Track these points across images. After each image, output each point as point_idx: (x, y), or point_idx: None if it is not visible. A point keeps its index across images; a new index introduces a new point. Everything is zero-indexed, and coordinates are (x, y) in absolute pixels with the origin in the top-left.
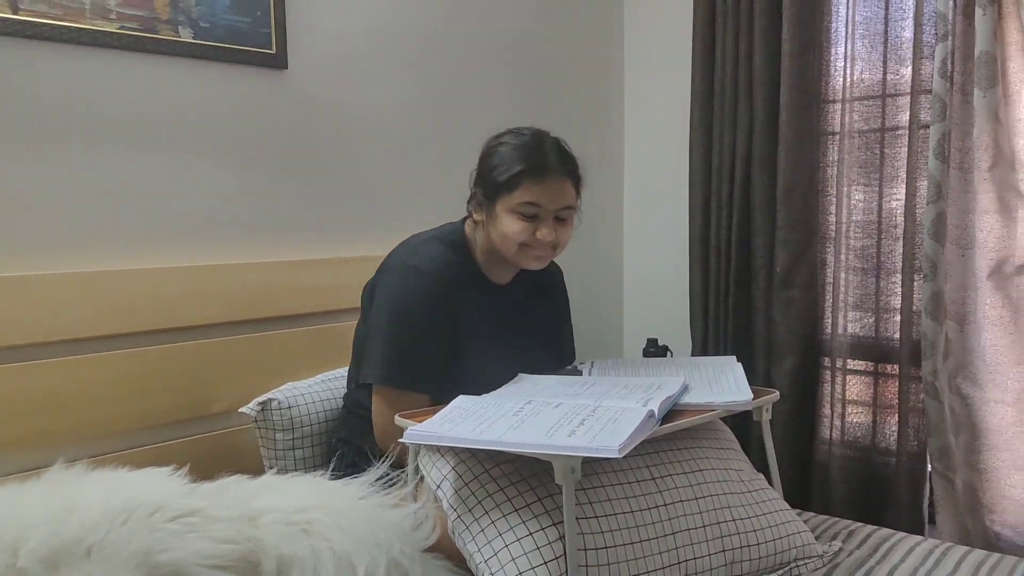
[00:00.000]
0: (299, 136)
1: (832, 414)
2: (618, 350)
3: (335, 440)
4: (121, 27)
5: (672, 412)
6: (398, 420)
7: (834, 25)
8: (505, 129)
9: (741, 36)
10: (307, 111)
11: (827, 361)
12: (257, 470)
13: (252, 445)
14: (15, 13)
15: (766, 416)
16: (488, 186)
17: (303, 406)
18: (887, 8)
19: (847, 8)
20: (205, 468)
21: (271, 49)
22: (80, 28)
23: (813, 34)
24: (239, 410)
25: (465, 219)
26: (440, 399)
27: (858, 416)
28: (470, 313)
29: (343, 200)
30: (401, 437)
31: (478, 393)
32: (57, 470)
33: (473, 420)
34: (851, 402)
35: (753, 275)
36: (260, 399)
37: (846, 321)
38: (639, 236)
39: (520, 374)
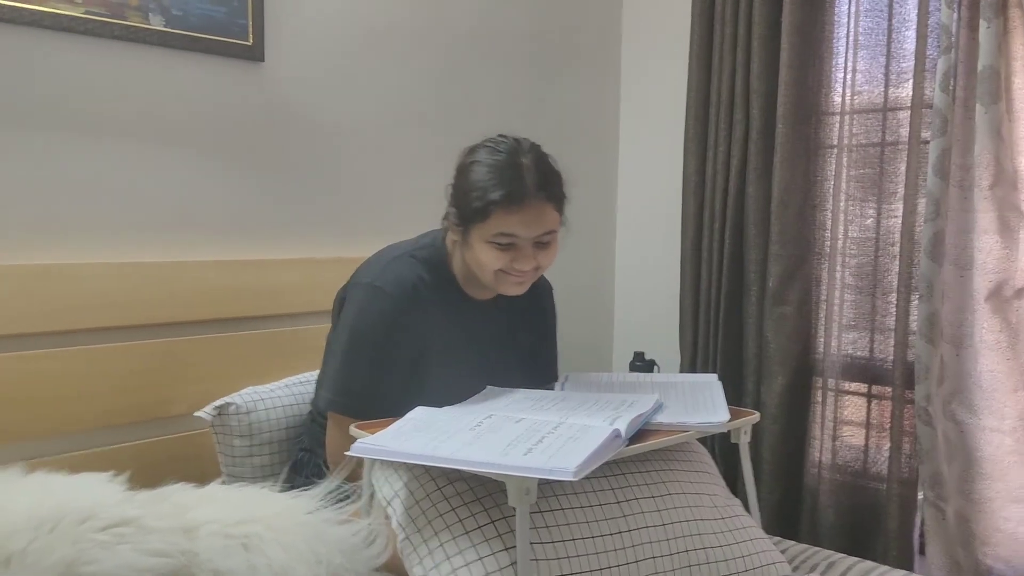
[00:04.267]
0: (274, 131)
1: (823, 436)
2: (606, 363)
3: (299, 450)
4: (87, 12)
5: (643, 432)
6: (352, 431)
7: (835, 36)
8: (483, 139)
9: (739, 45)
10: (284, 106)
11: (819, 381)
12: (214, 477)
13: (211, 450)
14: None
15: (744, 438)
16: (461, 211)
17: (263, 411)
18: (890, 19)
19: (849, 19)
20: (159, 474)
21: (247, 40)
22: (42, 11)
23: (813, 45)
24: (194, 414)
25: (447, 231)
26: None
27: (849, 439)
28: (441, 333)
29: (317, 199)
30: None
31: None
32: None
33: (427, 434)
34: (843, 424)
35: (745, 290)
36: (217, 403)
37: (840, 341)
38: (631, 247)
39: (488, 387)
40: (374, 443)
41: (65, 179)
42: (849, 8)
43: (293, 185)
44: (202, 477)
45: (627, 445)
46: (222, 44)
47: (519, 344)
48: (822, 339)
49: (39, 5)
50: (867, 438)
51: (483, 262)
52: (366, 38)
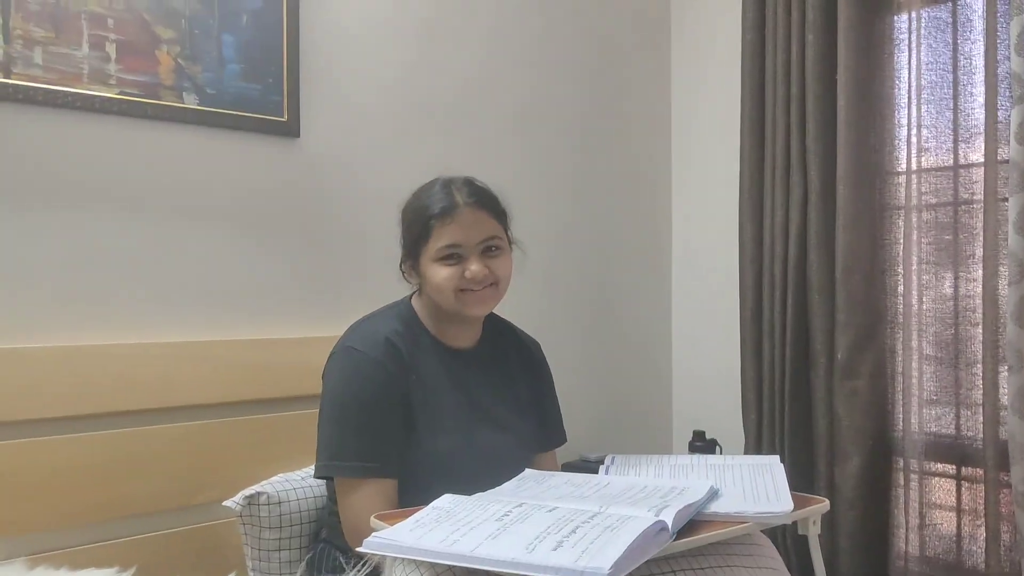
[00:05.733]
0: (310, 207)
1: (907, 525)
2: (665, 443)
3: (319, 540)
4: (121, 92)
5: (695, 523)
6: (374, 522)
7: (896, 91)
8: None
9: (792, 105)
10: (319, 181)
11: (900, 462)
12: (234, 570)
13: (234, 542)
14: (7, 77)
15: (814, 529)
16: (408, 245)
17: (294, 501)
18: (955, 71)
19: (910, 73)
20: (183, 567)
21: (282, 116)
22: (76, 93)
23: (872, 101)
24: (223, 503)
25: (413, 293)
26: (405, 477)
27: (939, 528)
28: (425, 382)
29: (353, 275)
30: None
31: (462, 471)
32: None
33: (449, 525)
34: (930, 510)
35: (812, 362)
36: (247, 491)
37: (921, 417)
38: (688, 319)
39: (527, 470)
40: (389, 538)
41: (94, 258)
42: (909, 62)
43: (328, 261)
44: (223, 571)
45: (675, 539)
46: (257, 121)
47: (519, 397)
48: (900, 415)
49: (72, 87)
50: (959, 526)
51: (439, 284)
52: (405, 111)
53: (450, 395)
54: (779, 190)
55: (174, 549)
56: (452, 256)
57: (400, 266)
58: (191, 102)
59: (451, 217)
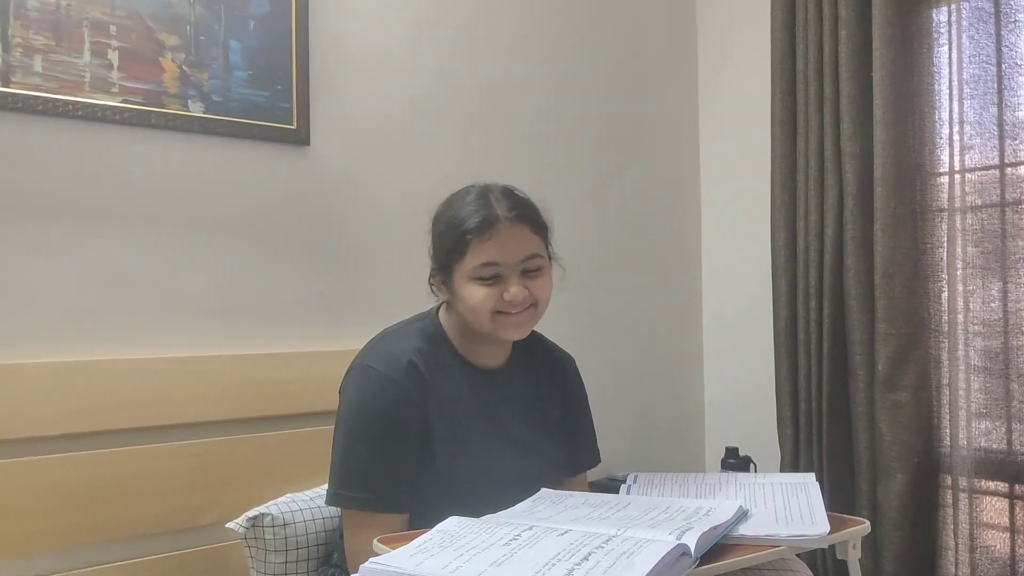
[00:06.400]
0: (320, 217)
1: (957, 547)
2: (697, 461)
3: (331, 566)
4: (124, 100)
5: (722, 547)
6: (376, 546)
7: (936, 87)
8: (452, 193)
9: (826, 105)
10: (330, 190)
11: (947, 480)
12: None
13: (243, 565)
14: (6, 86)
15: (854, 554)
16: (439, 258)
17: (301, 523)
18: (999, 64)
19: (950, 68)
20: None
21: (292, 124)
22: (78, 102)
23: (911, 99)
24: (226, 525)
25: (441, 304)
26: (421, 503)
27: (991, 550)
28: (447, 405)
29: (366, 286)
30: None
31: (480, 498)
32: None
33: (453, 550)
34: (982, 530)
35: (851, 374)
36: (251, 513)
37: (969, 432)
38: (719, 332)
39: (543, 489)
40: (387, 563)
41: (96, 271)
42: (950, 56)
43: (338, 274)
44: None
45: (699, 564)
46: (265, 129)
47: (548, 418)
48: (947, 430)
49: (73, 96)
50: (1014, 547)
51: (473, 305)
52: (417, 117)
53: (473, 419)
54: (813, 194)
55: (179, 572)
56: (489, 275)
57: (429, 280)
58: (197, 110)
59: (490, 233)
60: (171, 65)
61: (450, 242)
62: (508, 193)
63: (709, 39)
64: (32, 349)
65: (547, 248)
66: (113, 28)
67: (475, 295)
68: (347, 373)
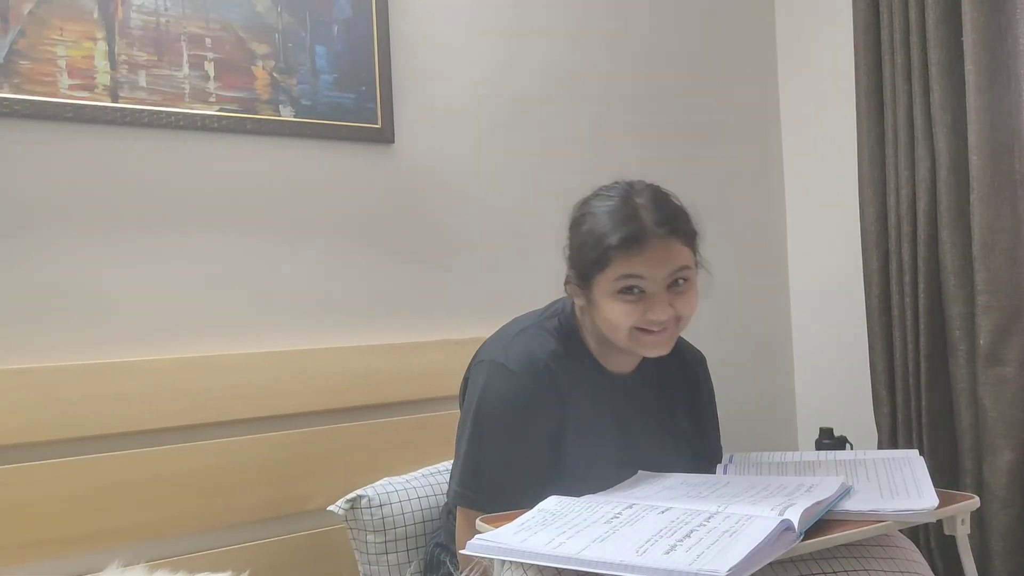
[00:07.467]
0: (407, 211)
1: None
2: (789, 443)
3: (434, 544)
4: (220, 109)
5: (825, 523)
6: (478, 524)
7: None
8: (593, 191)
9: (914, 74)
10: (415, 186)
11: None
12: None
13: (347, 548)
14: (115, 101)
15: (963, 529)
16: (579, 267)
17: (396, 504)
18: None
19: None
20: (298, 571)
21: (376, 123)
22: (179, 112)
23: (1006, 62)
24: (327, 508)
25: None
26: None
27: None
28: (579, 412)
29: (454, 278)
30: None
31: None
32: (112, 572)
33: (556, 527)
34: None
35: (951, 350)
36: (349, 496)
37: None
38: (809, 311)
39: (640, 471)
40: (492, 540)
41: (202, 272)
42: None
43: (428, 265)
44: None
45: (802, 540)
46: (352, 129)
47: (677, 428)
48: None
49: (175, 107)
50: None
51: (613, 320)
52: (499, 111)
53: (602, 428)
54: (903, 165)
55: (286, 555)
56: (632, 288)
57: (565, 284)
58: (287, 115)
59: (638, 245)
60: (262, 73)
61: (592, 254)
62: (655, 197)
63: (788, 11)
64: (145, 346)
65: (695, 256)
66: (208, 41)
67: (615, 311)
68: (476, 363)
